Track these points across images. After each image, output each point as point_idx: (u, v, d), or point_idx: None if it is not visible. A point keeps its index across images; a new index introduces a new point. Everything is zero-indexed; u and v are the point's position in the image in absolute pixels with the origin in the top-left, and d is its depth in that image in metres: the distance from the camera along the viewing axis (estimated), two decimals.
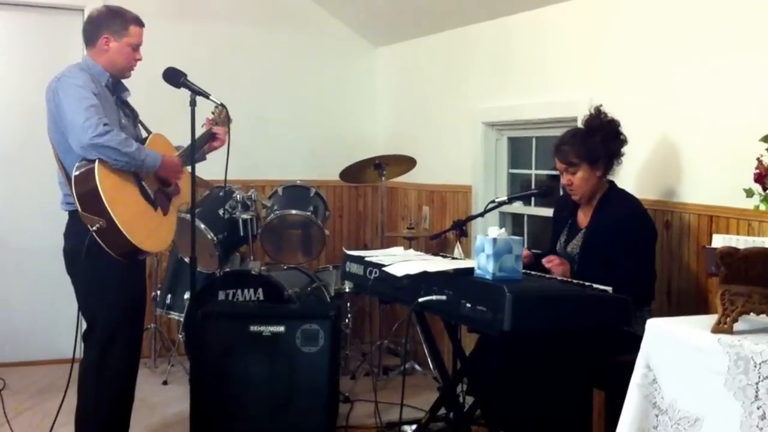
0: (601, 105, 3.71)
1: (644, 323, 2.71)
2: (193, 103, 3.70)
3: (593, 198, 3.71)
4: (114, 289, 3.67)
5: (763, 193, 2.81)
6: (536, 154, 5.03)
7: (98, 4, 5.48)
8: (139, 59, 3.85)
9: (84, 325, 3.74)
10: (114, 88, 3.81)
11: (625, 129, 3.70)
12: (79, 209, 3.50)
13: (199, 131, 3.95)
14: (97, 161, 3.50)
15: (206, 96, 3.72)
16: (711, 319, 2.57)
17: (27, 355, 5.59)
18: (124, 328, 3.74)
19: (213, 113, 4.08)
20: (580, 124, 3.81)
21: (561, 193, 3.92)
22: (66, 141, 3.56)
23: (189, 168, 3.88)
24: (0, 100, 5.62)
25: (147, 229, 3.66)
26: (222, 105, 3.71)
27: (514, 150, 5.28)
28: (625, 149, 3.69)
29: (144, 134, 3.92)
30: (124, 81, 3.87)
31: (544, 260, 3.57)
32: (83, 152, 3.50)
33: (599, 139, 3.63)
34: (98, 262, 3.56)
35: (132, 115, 3.91)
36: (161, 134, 3.93)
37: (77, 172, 3.52)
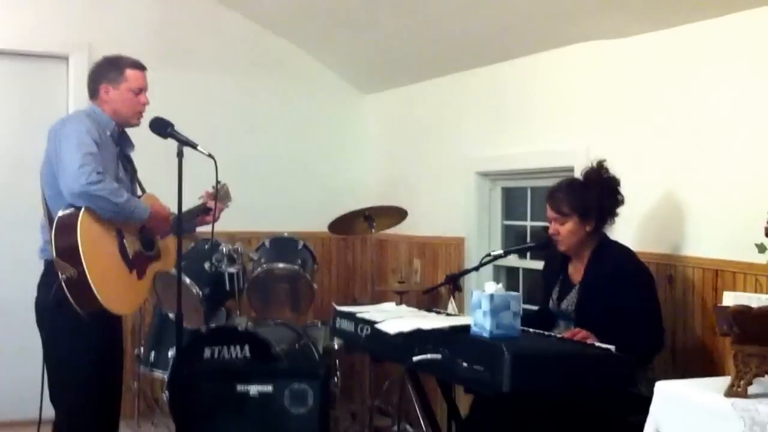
0: (604, 160, 3.60)
1: (649, 383, 2.59)
2: (180, 154, 3.60)
3: (584, 251, 3.59)
4: (85, 345, 3.55)
5: None
6: (531, 204, 4.91)
7: (83, 53, 5.47)
8: (145, 103, 3.82)
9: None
10: (119, 139, 3.78)
11: (624, 179, 3.58)
12: (54, 254, 3.42)
13: (196, 202, 3.98)
14: (83, 209, 3.44)
15: (194, 146, 3.64)
16: (723, 381, 2.49)
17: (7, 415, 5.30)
18: (97, 387, 3.59)
19: (214, 188, 3.99)
20: (578, 175, 3.70)
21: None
22: (57, 185, 3.50)
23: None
24: None
25: (117, 289, 3.56)
26: (210, 156, 3.61)
27: (509, 200, 5.17)
28: (621, 207, 3.58)
29: (140, 192, 3.88)
30: (131, 131, 3.85)
31: (566, 335, 3.40)
32: (72, 199, 3.45)
33: (595, 194, 3.52)
34: (69, 314, 3.43)
35: (131, 170, 3.87)
36: (154, 195, 3.88)
37: (62, 213, 3.46)
